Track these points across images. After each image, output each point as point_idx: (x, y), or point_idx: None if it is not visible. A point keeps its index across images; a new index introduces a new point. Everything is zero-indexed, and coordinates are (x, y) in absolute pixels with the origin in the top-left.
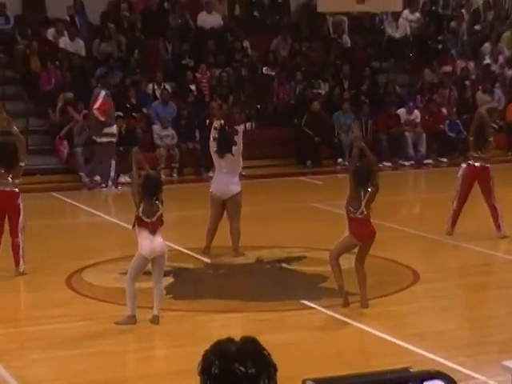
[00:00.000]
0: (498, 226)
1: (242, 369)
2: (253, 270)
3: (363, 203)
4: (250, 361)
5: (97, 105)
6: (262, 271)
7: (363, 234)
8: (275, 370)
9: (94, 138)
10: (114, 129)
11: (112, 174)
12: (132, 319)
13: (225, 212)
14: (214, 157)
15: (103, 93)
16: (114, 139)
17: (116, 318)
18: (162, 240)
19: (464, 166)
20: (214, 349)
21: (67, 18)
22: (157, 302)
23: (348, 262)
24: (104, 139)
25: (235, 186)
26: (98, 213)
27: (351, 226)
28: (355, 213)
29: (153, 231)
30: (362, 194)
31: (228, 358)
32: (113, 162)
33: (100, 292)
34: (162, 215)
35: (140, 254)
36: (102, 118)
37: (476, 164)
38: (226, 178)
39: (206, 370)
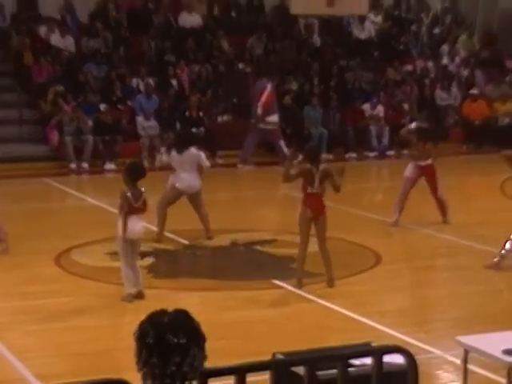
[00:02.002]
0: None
1: (175, 339)
2: (228, 251)
3: (316, 180)
4: (182, 332)
5: (262, 99)
6: (237, 253)
7: (317, 208)
8: (204, 340)
9: (257, 124)
10: (275, 117)
11: (285, 150)
12: (130, 297)
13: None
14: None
15: (269, 86)
16: (276, 126)
17: (101, 295)
18: (142, 223)
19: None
20: (149, 320)
21: (58, 16)
22: (139, 278)
23: (315, 245)
24: (269, 126)
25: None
26: (85, 197)
27: (307, 201)
28: (311, 188)
29: (139, 215)
30: (314, 170)
31: (161, 329)
32: (282, 142)
33: (87, 270)
34: (145, 200)
35: (125, 238)
36: (260, 112)
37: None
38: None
39: (141, 339)
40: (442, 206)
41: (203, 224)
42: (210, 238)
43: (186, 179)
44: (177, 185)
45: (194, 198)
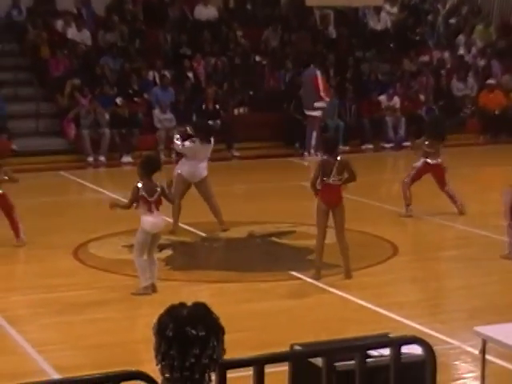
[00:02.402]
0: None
1: (194, 332)
2: (245, 243)
3: (334, 170)
4: (201, 324)
5: (321, 88)
6: (254, 245)
7: (332, 199)
8: (223, 332)
9: (306, 111)
10: (323, 103)
11: (313, 142)
12: (147, 289)
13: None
14: None
15: (319, 73)
16: (321, 114)
17: (119, 287)
18: (162, 217)
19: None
20: (168, 313)
21: (75, 10)
22: (155, 271)
23: (333, 236)
24: (314, 113)
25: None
26: (102, 190)
27: (322, 191)
28: (327, 179)
29: (155, 208)
30: (332, 161)
31: (181, 322)
32: (314, 133)
33: (104, 263)
34: (161, 193)
35: (144, 230)
36: (327, 99)
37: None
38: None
39: (160, 332)
40: (452, 199)
41: (214, 215)
42: (224, 230)
43: (192, 166)
44: (179, 171)
45: (200, 187)
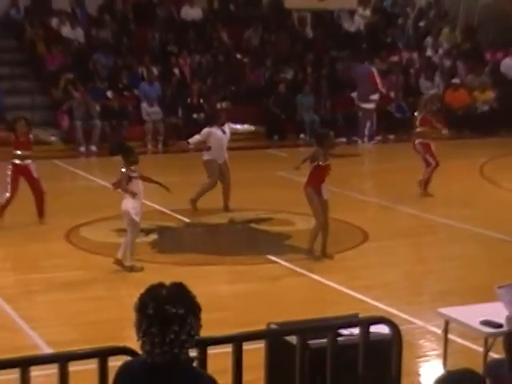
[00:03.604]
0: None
1: (173, 310)
2: (226, 229)
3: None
4: (179, 303)
5: (380, 84)
6: (234, 230)
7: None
8: (200, 310)
9: (359, 104)
10: (377, 96)
11: (366, 132)
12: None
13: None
14: None
15: (374, 69)
16: (375, 106)
17: (108, 268)
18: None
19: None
20: (148, 292)
21: (69, 9)
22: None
23: (308, 222)
24: (368, 105)
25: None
26: (93, 178)
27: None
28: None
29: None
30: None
31: (160, 301)
32: (368, 123)
33: (94, 246)
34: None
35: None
36: (384, 92)
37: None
38: None
39: (141, 310)
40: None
41: (225, 194)
42: (227, 211)
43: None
44: (208, 158)
45: (222, 168)
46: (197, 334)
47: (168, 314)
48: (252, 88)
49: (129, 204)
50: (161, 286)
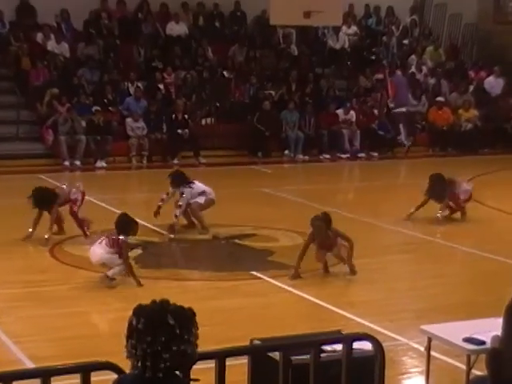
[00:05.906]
0: None
1: (167, 322)
2: (210, 244)
3: None
4: (172, 316)
5: (391, 92)
6: (218, 246)
7: None
8: (192, 323)
9: (396, 109)
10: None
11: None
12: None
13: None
14: None
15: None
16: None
17: (91, 283)
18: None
19: None
20: (138, 307)
21: (54, 24)
22: None
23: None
24: (402, 109)
25: None
26: None
27: None
28: None
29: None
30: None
31: (150, 316)
32: (401, 126)
33: (78, 260)
34: None
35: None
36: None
37: None
38: None
39: (132, 325)
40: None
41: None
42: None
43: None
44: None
45: None
46: (189, 349)
47: (160, 327)
48: (237, 104)
49: (97, 252)
50: (152, 302)
